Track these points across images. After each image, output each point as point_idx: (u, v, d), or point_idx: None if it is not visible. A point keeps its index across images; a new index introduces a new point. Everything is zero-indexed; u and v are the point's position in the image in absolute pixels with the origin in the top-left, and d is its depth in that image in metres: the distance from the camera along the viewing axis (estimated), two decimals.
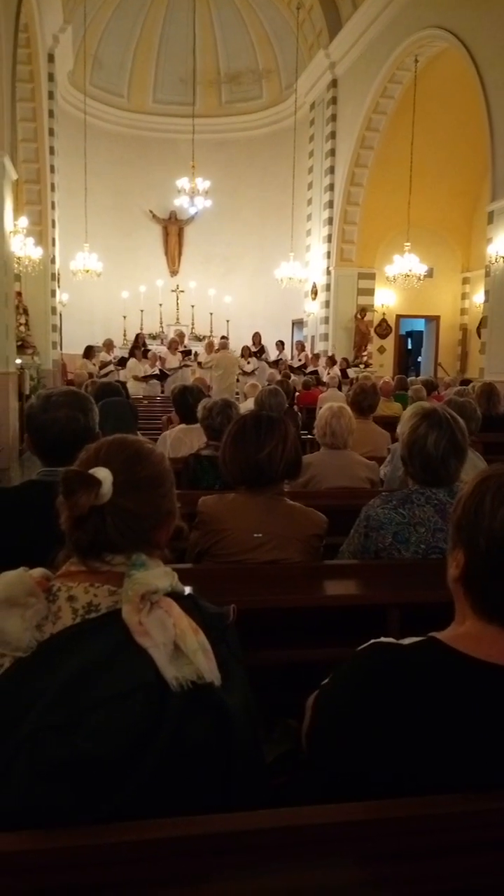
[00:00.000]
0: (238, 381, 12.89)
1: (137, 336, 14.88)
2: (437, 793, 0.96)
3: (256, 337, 15.23)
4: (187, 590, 1.20)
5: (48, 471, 1.99)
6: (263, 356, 14.81)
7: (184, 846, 0.91)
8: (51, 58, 14.79)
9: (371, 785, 0.99)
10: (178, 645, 1.03)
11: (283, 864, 0.93)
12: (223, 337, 15.27)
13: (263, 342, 15.66)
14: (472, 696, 1.01)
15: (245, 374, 13.42)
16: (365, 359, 16.00)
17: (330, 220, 16.52)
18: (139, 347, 13.87)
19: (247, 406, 5.97)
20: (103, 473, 1.13)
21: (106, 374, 12.61)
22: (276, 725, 2.15)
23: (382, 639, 1.14)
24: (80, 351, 14.07)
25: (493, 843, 0.96)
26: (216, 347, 13.75)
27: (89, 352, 13.64)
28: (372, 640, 1.14)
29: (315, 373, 13.49)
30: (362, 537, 2.30)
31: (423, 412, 2.29)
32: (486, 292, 11.63)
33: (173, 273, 19.66)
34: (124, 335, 17.15)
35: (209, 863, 0.91)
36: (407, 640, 1.11)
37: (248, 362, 14.05)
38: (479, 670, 1.02)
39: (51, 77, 14.89)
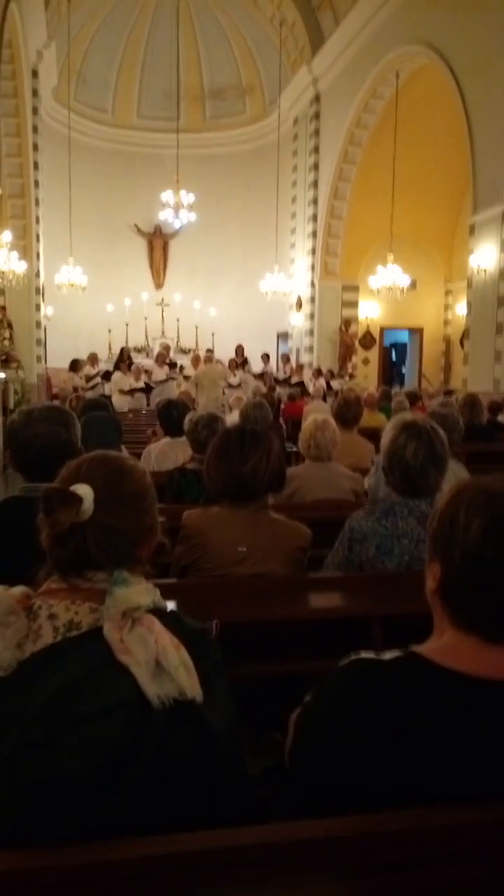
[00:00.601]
0: (224, 393, 12.90)
1: (122, 349, 14.87)
2: (420, 806, 0.97)
3: (239, 349, 15.26)
4: (170, 605, 1.20)
5: (30, 487, 1.99)
6: (246, 368, 14.83)
7: (169, 864, 0.91)
8: (35, 73, 14.83)
9: (355, 800, 0.99)
10: (159, 662, 1.03)
11: (269, 879, 0.93)
12: (208, 350, 15.28)
13: (249, 354, 15.68)
14: (453, 710, 1.02)
15: (231, 386, 13.44)
16: (350, 370, 16.08)
17: (314, 234, 16.64)
18: (124, 361, 13.85)
19: (232, 419, 5.98)
20: (84, 490, 1.13)
21: (93, 388, 12.58)
22: (262, 738, 2.14)
23: (363, 653, 1.14)
24: (65, 364, 14.02)
25: (476, 855, 0.97)
26: (202, 360, 13.77)
27: (76, 365, 13.57)
28: (352, 656, 1.14)
29: (300, 384, 13.53)
30: (346, 549, 2.31)
31: (403, 423, 2.33)
32: (469, 304, 11.74)
33: (158, 286, 19.70)
34: (109, 349, 17.14)
35: (194, 880, 0.91)
36: (387, 655, 1.12)
37: (235, 375, 14.06)
38: (459, 683, 1.03)
39: (35, 93, 14.94)
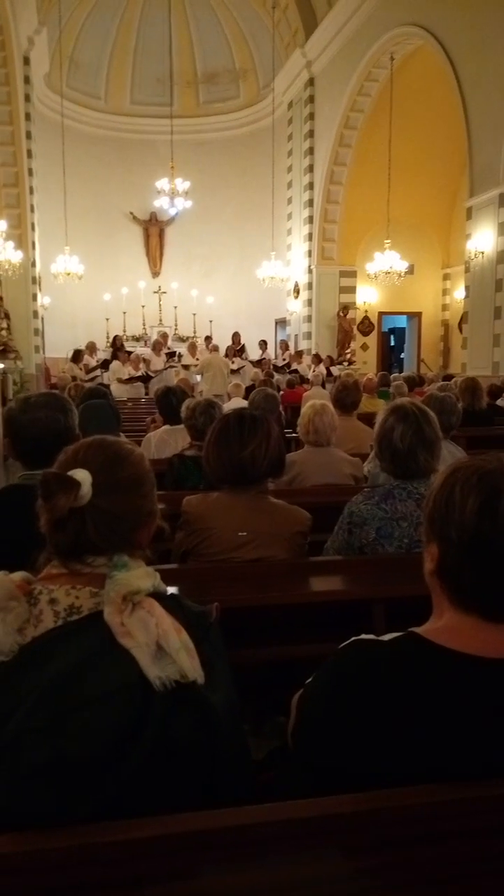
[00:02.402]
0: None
1: (115, 338, 14.82)
2: (420, 784, 0.97)
3: (236, 336, 15.23)
4: (170, 590, 1.20)
5: (28, 474, 1.98)
6: (244, 355, 14.81)
7: (171, 844, 0.91)
8: (26, 60, 14.69)
9: (357, 779, 1.00)
10: (160, 645, 1.03)
11: (272, 858, 0.93)
12: (208, 337, 15.24)
13: (247, 342, 15.64)
14: (453, 688, 1.02)
15: (232, 372, 13.43)
16: (348, 356, 16.05)
17: (310, 219, 16.55)
18: (120, 349, 13.81)
19: (231, 406, 5.97)
20: (82, 475, 1.12)
21: (93, 378, 12.55)
22: (266, 722, 2.16)
23: (363, 636, 1.14)
24: (63, 354, 13.98)
25: (477, 832, 0.97)
26: (201, 349, 13.75)
27: (78, 355, 13.50)
28: (352, 638, 1.14)
29: (296, 371, 13.51)
30: (346, 533, 2.31)
31: (392, 407, 2.36)
32: (467, 288, 11.70)
33: (155, 274, 19.61)
34: (107, 338, 17.07)
35: (197, 859, 0.92)
36: (387, 636, 1.12)
37: (233, 362, 14.05)
38: (459, 662, 1.03)
39: (27, 79, 14.79)
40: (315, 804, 0.97)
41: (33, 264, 14.96)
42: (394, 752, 1.01)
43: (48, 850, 0.90)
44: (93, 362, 13.70)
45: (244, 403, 6.29)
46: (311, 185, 16.51)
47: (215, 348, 13.53)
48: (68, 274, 16.22)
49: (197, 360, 13.52)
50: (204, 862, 0.92)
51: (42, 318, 15.78)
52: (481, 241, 10.80)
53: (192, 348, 14.12)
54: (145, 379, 12.87)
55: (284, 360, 15.20)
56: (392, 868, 0.95)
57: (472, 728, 1.00)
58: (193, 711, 1.04)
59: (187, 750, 1.03)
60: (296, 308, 17.67)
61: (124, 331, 17.16)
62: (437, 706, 1.01)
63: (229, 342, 15.07)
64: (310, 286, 16.72)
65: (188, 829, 0.92)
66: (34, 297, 15.10)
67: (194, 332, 17.80)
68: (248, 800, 1.04)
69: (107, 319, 17.71)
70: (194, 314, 18.37)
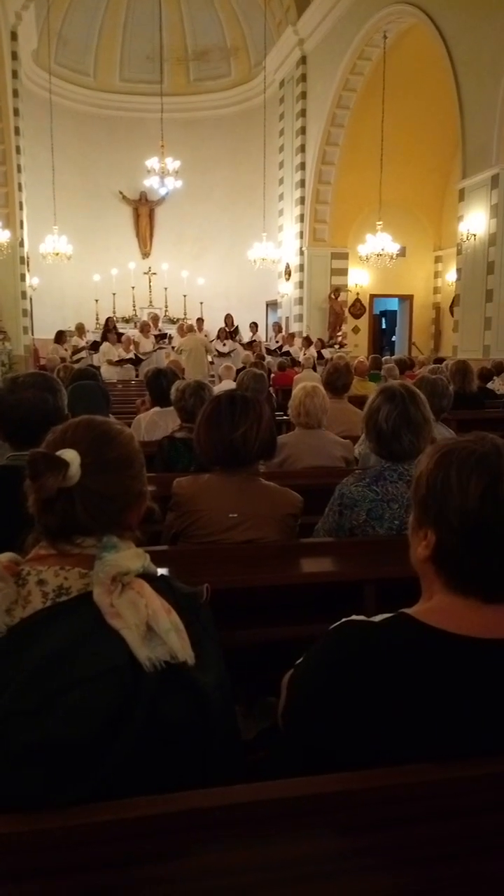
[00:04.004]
0: (213, 363, 12.83)
1: (108, 320, 14.72)
2: (412, 762, 0.97)
3: (229, 318, 15.15)
4: (161, 571, 1.19)
5: (17, 455, 1.97)
6: (237, 337, 14.74)
7: (162, 823, 0.91)
8: (14, 36, 14.44)
9: (347, 759, 1.00)
10: (150, 625, 1.03)
11: (263, 837, 0.93)
12: (199, 319, 15.14)
13: (238, 324, 15.56)
14: (443, 668, 1.02)
15: (221, 355, 13.36)
16: (339, 339, 16.01)
17: (302, 200, 16.42)
18: (111, 331, 13.72)
19: (221, 388, 5.95)
20: (70, 455, 1.11)
21: (78, 360, 12.48)
22: (257, 703, 2.17)
23: (353, 617, 1.14)
24: (52, 336, 13.89)
25: (470, 810, 0.98)
26: (185, 329, 13.67)
27: (60, 337, 13.48)
28: (343, 619, 1.14)
29: (287, 353, 13.46)
30: (336, 515, 2.31)
31: (382, 388, 2.36)
32: (458, 270, 11.68)
33: (145, 255, 19.45)
34: (97, 319, 16.95)
35: (188, 839, 0.92)
36: (378, 617, 1.11)
37: (224, 344, 13.96)
38: (450, 642, 1.03)
39: (14, 56, 14.55)
40: (306, 783, 0.97)
41: (21, 244, 14.80)
42: (385, 732, 1.01)
43: (39, 830, 0.90)
44: (81, 343, 13.62)
45: (234, 385, 6.26)
46: (302, 166, 16.37)
47: (191, 328, 13.41)
48: (57, 254, 16.06)
49: None
50: (195, 841, 0.92)
51: (31, 299, 15.64)
52: (473, 223, 10.76)
53: (182, 330, 14.03)
54: (136, 361, 12.80)
55: (278, 342, 15.12)
56: (384, 847, 0.95)
57: (464, 707, 1.00)
58: (183, 692, 1.04)
59: (178, 731, 1.03)
60: (287, 290, 17.58)
61: (114, 312, 17.04)
62: (428, 686, 1.01)
63: (221, 324, 14.98)
64: (301, 268, 16.63)
65: (179, 808, 0.93)
66: (22, 278, 14.95)
67: (185, 314, 17.70)
68: (238, 780, 1.04)
69: (96, 301, 17.58)
70: (185, 295, 18.26)
